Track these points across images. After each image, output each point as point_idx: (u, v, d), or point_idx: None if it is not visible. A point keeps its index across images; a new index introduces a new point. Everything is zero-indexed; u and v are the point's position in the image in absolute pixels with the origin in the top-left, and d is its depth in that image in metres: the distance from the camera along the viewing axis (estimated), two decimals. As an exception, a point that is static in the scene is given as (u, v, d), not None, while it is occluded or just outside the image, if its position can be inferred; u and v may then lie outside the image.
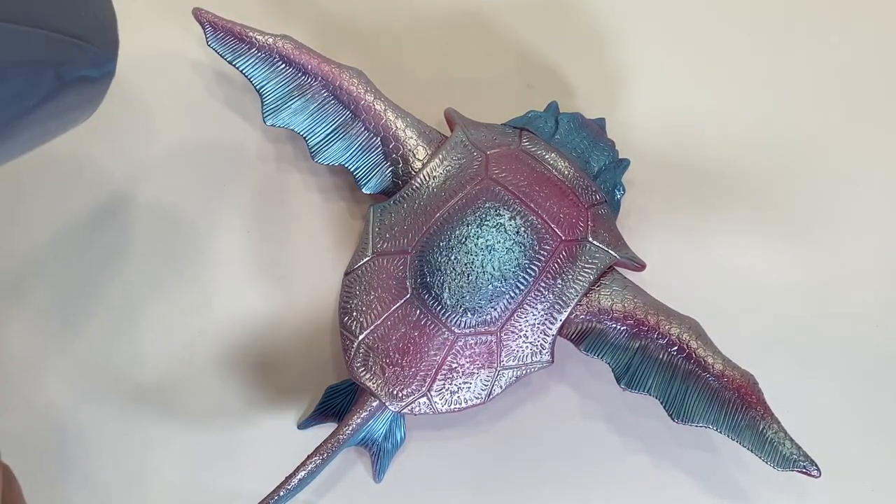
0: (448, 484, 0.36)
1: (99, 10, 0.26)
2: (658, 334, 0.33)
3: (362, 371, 0.33)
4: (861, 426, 0.37)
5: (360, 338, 0.33)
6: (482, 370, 0.33)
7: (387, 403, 0.32)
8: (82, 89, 0.26)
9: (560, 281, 0.33)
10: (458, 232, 0.33)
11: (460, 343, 0.33)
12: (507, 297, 0.33)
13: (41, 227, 0.37)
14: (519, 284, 0.33)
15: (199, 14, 0.35)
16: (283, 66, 0.36)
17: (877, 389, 0.37)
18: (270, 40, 0.35)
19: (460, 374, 0.33)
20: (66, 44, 0.23)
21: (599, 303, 0.34)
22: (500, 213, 0.34)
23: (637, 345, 0.33)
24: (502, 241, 0.33)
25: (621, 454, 0.36)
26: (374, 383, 0.32)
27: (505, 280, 0.33)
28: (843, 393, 0.37)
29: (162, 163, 0.38)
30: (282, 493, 0.31)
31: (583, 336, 0.34)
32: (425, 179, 0.35)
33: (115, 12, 0.27)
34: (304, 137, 0.36)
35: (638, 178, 0.39)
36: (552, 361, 0.33)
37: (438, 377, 0.33)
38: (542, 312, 0.33)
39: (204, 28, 0.35)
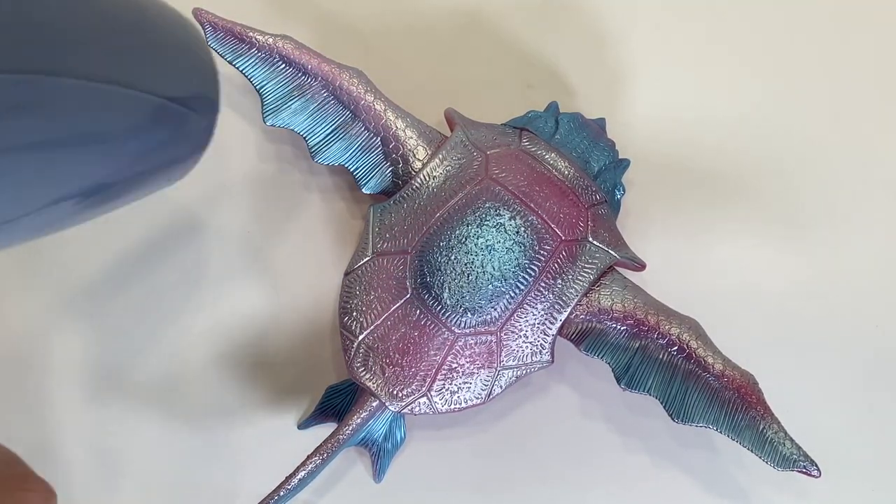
0: (448, 484, 0.36)
1: (207, 80, 0.27)
2: (658, 334, 0.33)
3: (362, 371, 0.33)
4: (861, 426, 0.37)
5: (360, 338, 0.33)
6: (482, 370, 0.33)
7: (387, 403, 0.32)
8: (181, 155, 0.27)
9: (560, 281, 0.33)
10: (458, 232, 0.33)
11: (460, 343, 0.33)
12: (507, 297, 0.33)
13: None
14: (519, 284, 0.33)
15: (199, 14, 0.35)
16: (283, 66, 0.36)
17: (877, 389, 0.37)
18: (270, 40, 0.35)
19: (460, 374, 0.33)
20: (175, 111, 0.24)
21: (599, 303, 0.34)
22: (500, 212, 0.34)
23: (637, 345, 0.33)
24: (502, 240, 0.33)
25: (621, 454, 0.36)
26: (374, 383, 0.32)
27: (505, 280, 0.33)
28: (843, 393, 0.37)
29: (162, 163, 0.38)
30: (282, 493, 0.31)
31: (583, 336, 0.34)
32: (425, 179, 0.35)
33: (219, 81, 0.28)
34: (304, 137, 0.36)
35: (638, 178, 0.39)
36: (552, 361, 0.33)
37: (438, 377, 0.33)
38: (542, 312, 0.33)
39: (204, 28, 0.35)
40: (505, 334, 0.33)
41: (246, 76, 0.35)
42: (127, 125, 0.23)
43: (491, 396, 0.33)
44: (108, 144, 0.23)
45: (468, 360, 0.33)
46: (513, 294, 0.33)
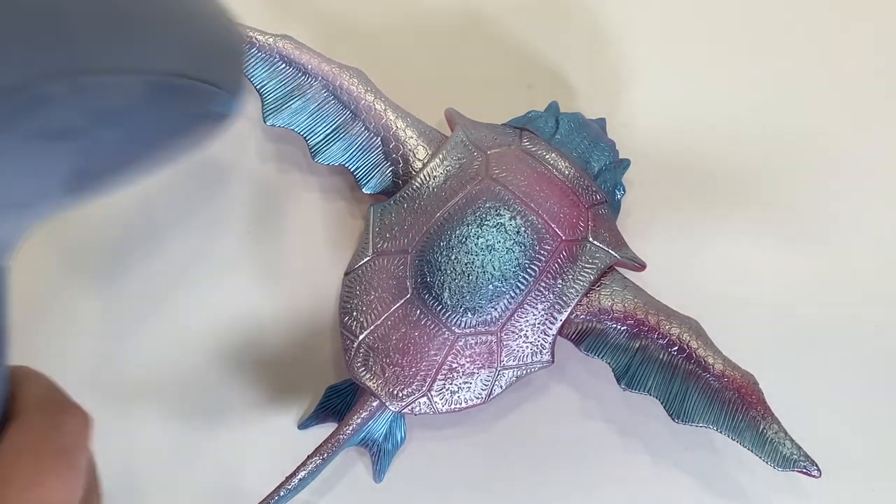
0: (448, 484, 0.36)
1: (233, 56, 0.27)
2: (658, 334, 0.33)
3: (362, 371, 0.33)
4: (861, 426, 0.37)
5: (361, 338, 0.33)
6: (482, 370, 0.33)
7: (387, 403, 0.32)
8: (204, 130, 0.27)
9: (560, 281, 0.33)
10: (458, 232, 0.33)
11: (460, 343, 0.33)
12: (508, 297, 0.33)
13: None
14: (519, 284, 0.33)
15: (199, 14, 0.35)
16: (284, 66, 0.36)
17: (877, 389, 0.37)
18: (270, 40, 0.35)
19: (460, 373, 0.33)
20: (204, 90, 0.25)
21: (600, 303, 0.34)
22: (501, 212, 0.34)
23: (637, 345, 0.33)
24: (502, 240, 0.33)
25: (621, 454, 0.36)
26: (374, 383, 0.32)
27: (505, 280, 0.33)
28: (843, 393, 0.37)
29: (162, 163, 0.38)
30: (282, 493, 0.31)
31: (583, 336, 0.34)
32: (425, 179, 0.35)
33: (244, 55, 0.28)
34: (305, 137, 0.36)
35: (638, 178, 0.39)
36: (552, 361, 0.33)
37: (439, 377, 0.33)
38: (543, 312, 0.33)
39: (204, 28, 0.35)
40: (505, 334, 0.33)
41: (246, 76, 0.35)
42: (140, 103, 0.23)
43: (491, 396, 0.33)
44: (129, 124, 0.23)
45: (468, 360, 0.33)
46: (513, 294, 0.33)
